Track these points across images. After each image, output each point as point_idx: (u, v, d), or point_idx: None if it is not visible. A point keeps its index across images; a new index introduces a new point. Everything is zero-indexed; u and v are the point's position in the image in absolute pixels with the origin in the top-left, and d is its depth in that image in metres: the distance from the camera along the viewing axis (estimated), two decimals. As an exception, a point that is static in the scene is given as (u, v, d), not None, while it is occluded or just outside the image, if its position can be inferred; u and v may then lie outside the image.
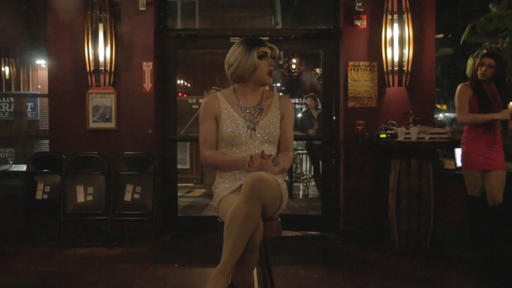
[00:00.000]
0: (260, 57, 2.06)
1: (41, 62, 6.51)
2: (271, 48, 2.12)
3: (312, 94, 6.23)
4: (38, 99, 5.96)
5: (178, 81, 7.32)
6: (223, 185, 2.07)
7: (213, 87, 7.51)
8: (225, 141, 2.08)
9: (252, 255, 1.90)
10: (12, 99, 5.64)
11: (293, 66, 7.46)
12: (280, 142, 2.15)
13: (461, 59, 5.26)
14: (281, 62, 7.42)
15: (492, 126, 3.25)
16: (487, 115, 3.20)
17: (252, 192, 1.78)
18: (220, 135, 2.09)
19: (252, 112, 2.10)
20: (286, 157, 2.12)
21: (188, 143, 7.06)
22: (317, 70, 7.47)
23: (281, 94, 2.27)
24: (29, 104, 5.90)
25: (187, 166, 7.08)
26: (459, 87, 3.36)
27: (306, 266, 3.32)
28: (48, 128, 4.19)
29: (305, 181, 6.42)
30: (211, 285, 1.76)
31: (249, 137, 2.06)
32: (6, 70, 6.34)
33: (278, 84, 8.06)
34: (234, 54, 2.08)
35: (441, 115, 9.54)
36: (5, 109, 5.66)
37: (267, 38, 3.90)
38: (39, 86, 6.77)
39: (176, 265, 3.34)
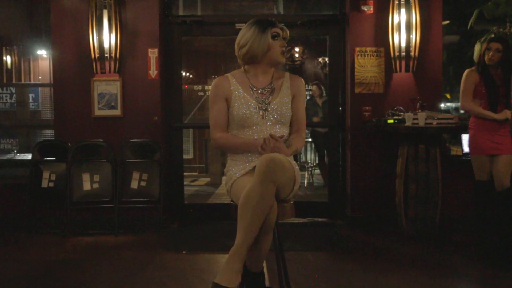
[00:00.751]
0: (273, 37, 2.04)
1: (42, 53, 6.46)
2: (282, 29, 2.10)
3: (317, 82, 6.20)
4: (39, 89, 5.93)
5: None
6: (235, 168, 2.05)
7: (213, 76, 7.45)
8: (236, 122, 2.05)
9: (266, 237, 1.89)
10: (13, 90, 5.61)
11: (296, 55, 7.40)
12: (292, 122, 2.12)
13: (467, 46, 5.21)
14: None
15: (499, 111, 3.23)
16: (487, 113, 3.20)
17: (266, 174, 1.76)
18: (232, 117, 2.06)
19: (264, 92, 2.07)
20: (299, 138, 2.10)
21: (191, 133, 7.03)
22: (320, 59, 7.42)
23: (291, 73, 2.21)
24: (31, 95, 5.87)
25: (191, 156, 7.07)
26: (465, 72, 3.33)
27: (315, 252, 3.32)
28: (50, 118, 4.17)
29: (310, 169, 6.42)
30: (226, 267, 1.75)
31: (261, 118, 2.03)
32: (8, 59, 6.30)
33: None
34: (246, 35, 2.05)
35: (442, 104, 9.48)
36: (6, 99, 5.63)
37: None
38: (40, 77, 6.72)
39: (184, 252, 3.33)
